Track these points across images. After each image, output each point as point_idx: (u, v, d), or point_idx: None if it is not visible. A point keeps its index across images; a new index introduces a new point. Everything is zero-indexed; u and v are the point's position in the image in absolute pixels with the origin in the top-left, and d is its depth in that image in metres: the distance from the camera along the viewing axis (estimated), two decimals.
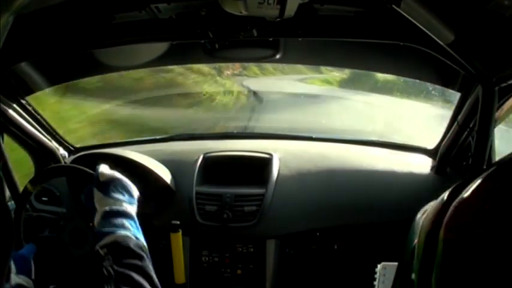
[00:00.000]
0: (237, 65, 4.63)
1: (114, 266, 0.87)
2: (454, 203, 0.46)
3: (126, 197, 1.03)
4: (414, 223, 0.58)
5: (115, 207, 0.99)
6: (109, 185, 1.03)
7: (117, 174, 1.07)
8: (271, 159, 1.78)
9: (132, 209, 1.02)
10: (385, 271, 1.20)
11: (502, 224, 0.41)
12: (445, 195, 0.50)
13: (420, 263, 0.49)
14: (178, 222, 1.52)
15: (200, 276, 1.67)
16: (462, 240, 0.43)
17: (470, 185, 0.46)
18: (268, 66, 5.40)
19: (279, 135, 2.22)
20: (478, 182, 0.46)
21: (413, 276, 0.50)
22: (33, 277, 1.17)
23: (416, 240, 0.52)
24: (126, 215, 0.99)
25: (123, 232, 0.94)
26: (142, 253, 0.91)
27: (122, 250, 0.90)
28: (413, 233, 0.55)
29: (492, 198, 0.44)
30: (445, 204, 0.48)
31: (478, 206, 0.44)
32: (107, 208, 0.99)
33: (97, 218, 0.99)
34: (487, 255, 0.41)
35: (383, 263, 1.22)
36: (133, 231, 0.96)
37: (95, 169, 1.09)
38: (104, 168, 1.08)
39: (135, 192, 1.07)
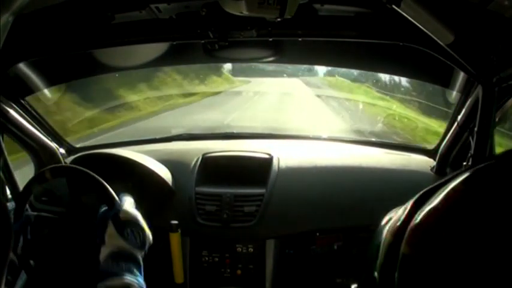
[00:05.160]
0: None
1: None
2: (419, 214, 0.44)
3: (138, 242, 1.00)
4: (377, 230, 0.57)
5: (126, 250, 0.97)
6: (127, 226, 1.00)
7: (138, 216, 1.04)
8: (271, 159, 1.78)
9: (140, 255, 1.00)
10: None
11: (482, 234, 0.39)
12: (408, 204, 0.49)
13: (379, 274, 0.49)
14: (177, 222, 1.52)
15: (200, 276, 1.67)
16: (423, 255, 0.41)
17: (437, 194, 0.44)
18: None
19: (279, 135, 2.22)
20: (445, 191, 0.43)
21: (375, 274, 0.50)
22: (18, 251, 1.16)
23: (381, 243, 0.51)
24: (134, 260, 0.98)
25: (130, 278, 0.93)
26: None
27: None
28: (377, 237, 0.54)
29: (466, 207, 0.41)
30: (409, 215, 0.46)
31: (445, 218, 0.42)
32: (117, 248, 0.97)
33: (104, 253, 0.97)
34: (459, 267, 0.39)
35: None
36: (138, 279, 0.95)
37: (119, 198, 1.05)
38: (128, 206, 1.04)
39: (148, 239, 1.04)
